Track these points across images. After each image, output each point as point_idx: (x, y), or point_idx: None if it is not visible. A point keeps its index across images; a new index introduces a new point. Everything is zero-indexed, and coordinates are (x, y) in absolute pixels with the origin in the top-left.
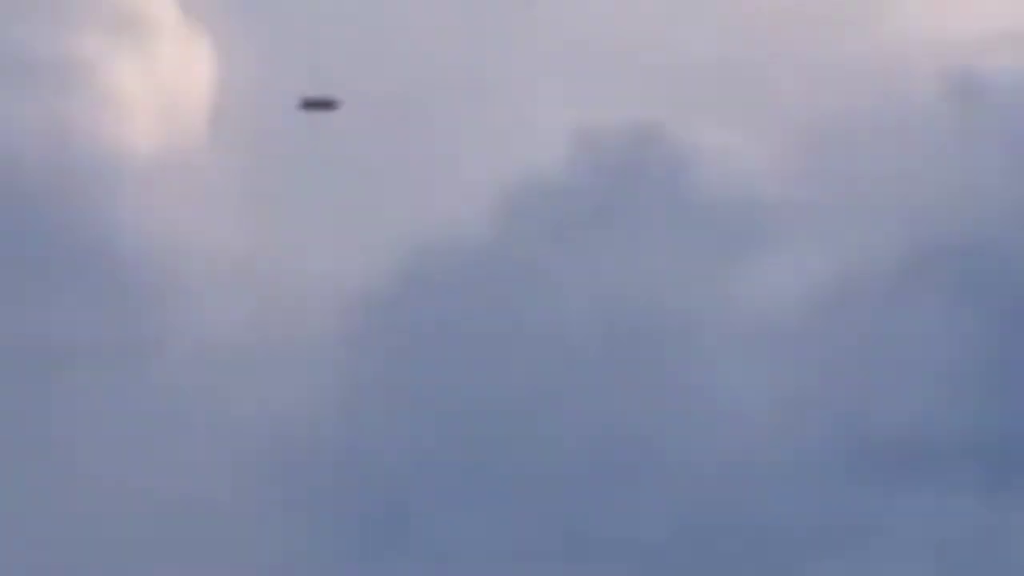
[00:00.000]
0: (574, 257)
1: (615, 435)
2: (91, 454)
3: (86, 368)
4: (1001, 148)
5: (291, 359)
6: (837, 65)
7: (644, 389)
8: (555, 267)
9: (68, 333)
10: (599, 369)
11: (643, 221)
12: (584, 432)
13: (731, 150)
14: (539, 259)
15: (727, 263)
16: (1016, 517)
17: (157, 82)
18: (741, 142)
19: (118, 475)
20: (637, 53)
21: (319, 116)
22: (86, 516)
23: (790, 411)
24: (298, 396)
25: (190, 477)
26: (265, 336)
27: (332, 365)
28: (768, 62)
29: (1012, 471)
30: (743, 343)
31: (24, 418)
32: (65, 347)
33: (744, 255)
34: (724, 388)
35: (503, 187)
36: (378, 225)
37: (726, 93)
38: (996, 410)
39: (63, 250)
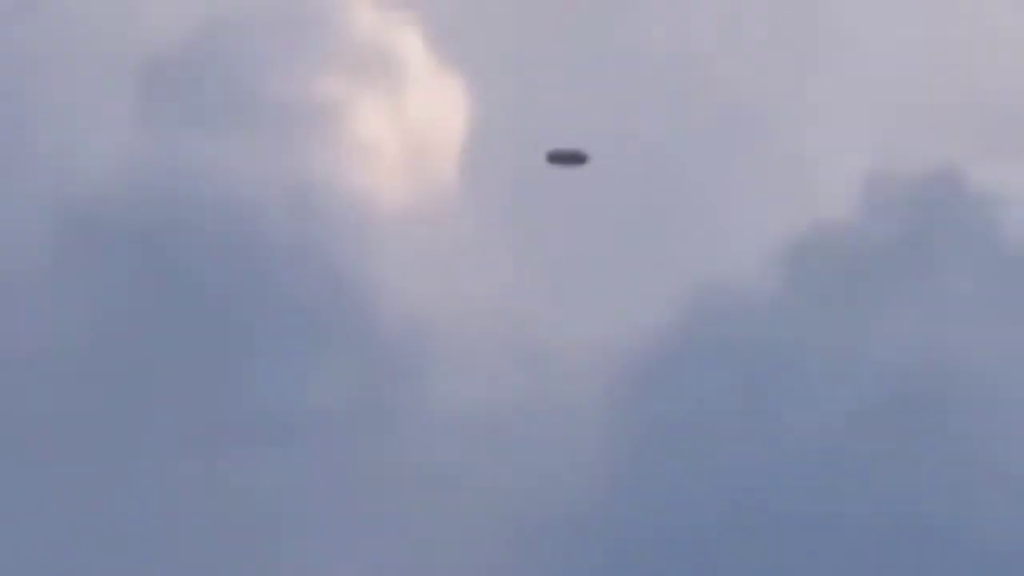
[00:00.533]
0: (866, 313)
1: (904, 517)
2: (329, 530)
3: (329, 439)
4: None
5: (554, 430)
6: None
7: (939, 466)
8: (845, 325)
9: (312, 400)
10: (890, 442)
11: (942, 272)
12: (870, 514)
13: None
14: (828, 315)
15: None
16: None
17: (406, 127)
18: None
19: (356, 551)
20: (933, 91)
21: (584, 167)
22: None
23: None
24: (559, 468)
25: (440, 551)
26: (525, 404)
27: (598, 433)
28: None
29: None
30: None
31: (256, 493)
32: (309, 416)
33: None
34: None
35: (790, 238)
36: (649, 281)
37: None
38: None
39: (304, 309)
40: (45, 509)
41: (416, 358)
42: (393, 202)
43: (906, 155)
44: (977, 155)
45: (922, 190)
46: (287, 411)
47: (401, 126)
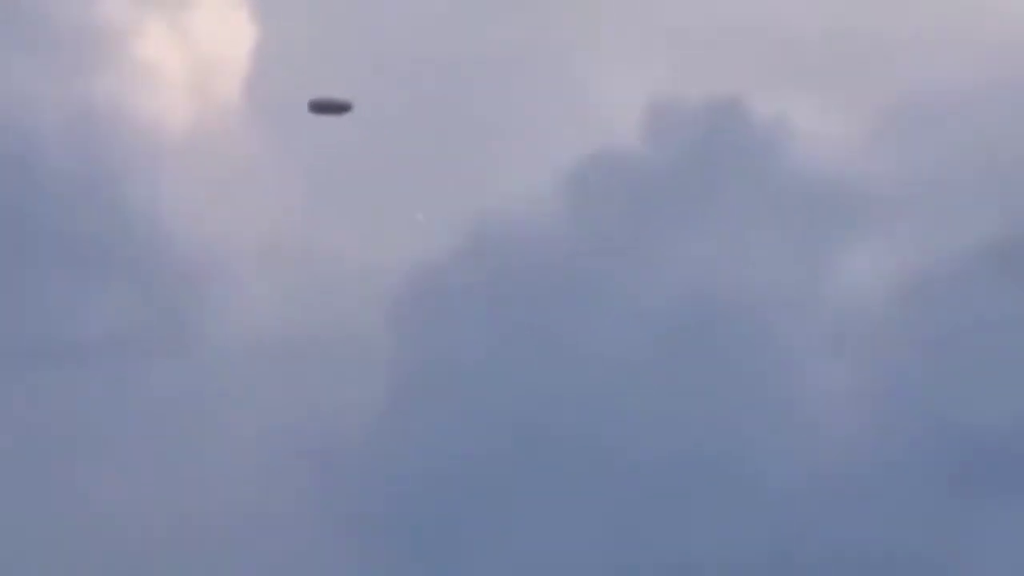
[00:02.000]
0: (648, 238)
1: (690, 444)
2: (111, 457)
3: (111, 363)
4: None
5: (337, 354)
6: (936, 36)
7: (720, 393)
8: (627, 247)
9: (94, 325)
10: (669, 360)
11: (722, 199)
12: (655, 439)
13: (817, 125)
14: (611, 239)
15: (811, 249)
16: None
17: (190, 50)
18: (828, 117)
19: (138, 480)
20: (716, 19)
21: (371, 91)
22: (103, 523)
23: (881, 417)
24: (343, 394)
25: (217, 485)
26: (309, 328)
27: (383, 360)
28: (857, 30)
29: None
30: (830, 341)
31: (40, 416)
32: (91, 340)
33: (830, 240)
34: (810, 392)
35: (574, 164)
36: (436, 204)
37: (814, 65)
38: None
39: (88, 233)
40: None
41: (203, 282)
42: (178, 125)
43: (689, 82)
44: (760, 83)
45: (705, 117)
46: (72, 336)
47: (185, 49)
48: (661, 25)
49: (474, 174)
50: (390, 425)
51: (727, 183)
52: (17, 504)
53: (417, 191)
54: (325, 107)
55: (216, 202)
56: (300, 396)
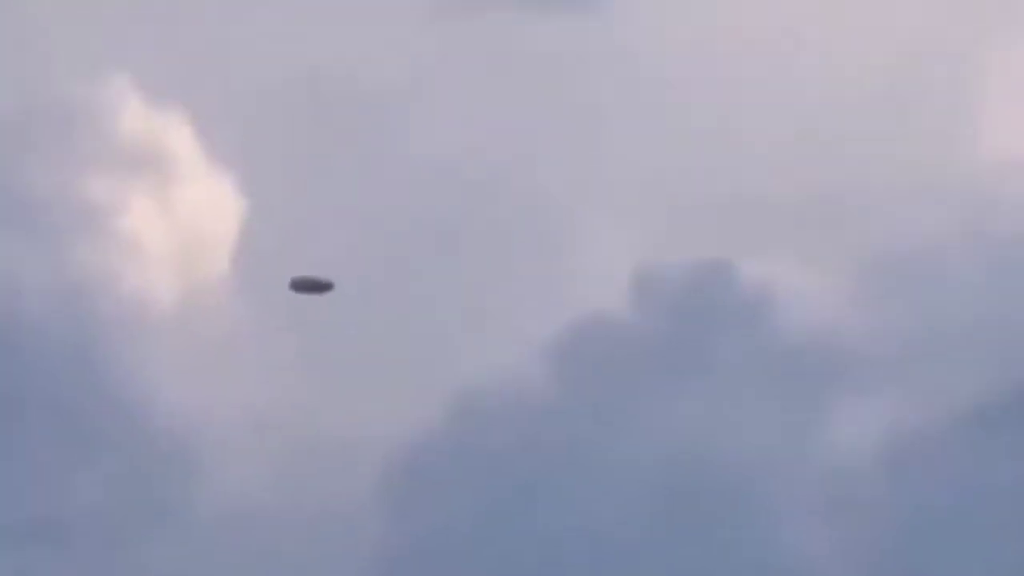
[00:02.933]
0: (636, 405)
1: None
2: None
3: (97, 537)
4: None
5: (323, 528)
6: (920, 192)
7: (708, 555)
8: (615, 416)
9: (80, 499)
10: (659, 530)
11: (711, 366)
12: None
13: (805, 288)
14: (598, 407)
15: (798, 411)
16: None
17: (177, 224)
18: (815, 279)
19: None
20: (701, 188)
21: (354, 269)
22: None
23: None
24: (329, 569)
25: None
26: (296, 502)
27: (369, 534)
28: (843, 192)
29: None
30: (819, 503)
31: None
32: (76, 515)
33: (817, 402)
34: (799, 555)
35: (560, 332)
36: (422, 377)
37: (800, 227)
38: None
39: (75, 408)
40: None
41: (188, 456)
42: (164, 299)
43: (673, 248)
44: (745, 250)
45: (690, 282)
46: (57, 511)
47: (172, 223)
48: (643, 192)
49: (459, 345)
50: None
51: (714, 347)
52: None
53: (402, 364)
54: (306, 286)
55: (202, 376)
56: (286, 572)
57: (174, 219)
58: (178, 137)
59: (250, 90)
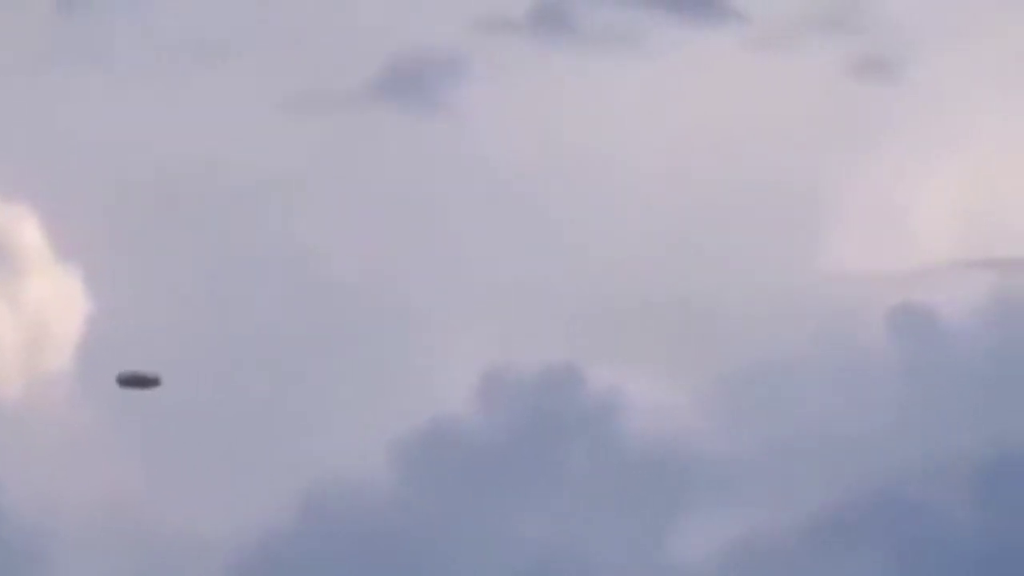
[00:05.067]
0: (481, 509)
1: None
2: None
3: None
4: (948, 389)
5: None
6: (771, 304)
7: None
8: (462, 520)
9: None
10: None
11: (556, 472)
12: None
13: (653, 396)
14: (444, 509)
15: (646, 520)
16: None
17: (22, 318)
18: (664, 387)
19: None
20: (550, 294)
21: (200, 365)
22: None
23: None
24: None
25: None
26: None
27: None
28: (693, 301)
29: None
30: None
31: None
32: None
33: (665, 511)
34: None
35: (406, 434)
36: (270, 474)
37: (648, 335)
38: None
39: None
40: None
41: (33, 549)
42: (8, 393)
43: (524, 353)
44: (593, 356)
45: (537, 386)
46: None
47: (17, 317)
48: (495, 295)
49: (307, 443)
50: None
51: (560, 453)
52: None
53: (251, 462)
54: (133, 381)
55: (46, 470)
56: None
57: (20, 313)
58: (25, 231)
59: (98, 185)
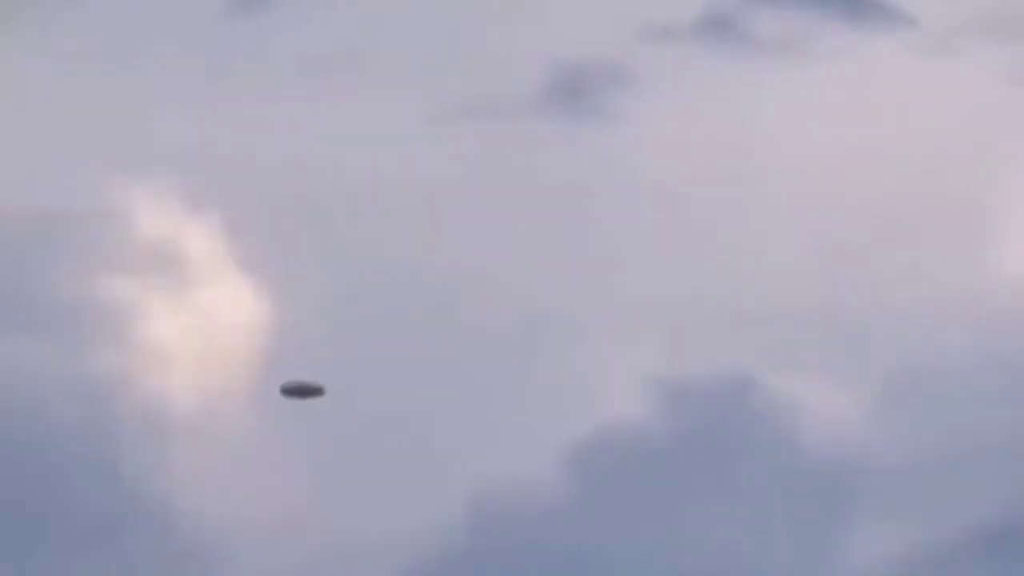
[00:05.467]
0: (652, 517)
1: None
2: None
3: None
4: None
5: None
6: (937, 311)
7: None
8: (632, 527)
9: None
10: None
11: (728, 480)
12: None
13: (826, 404)
14: (614, 517)
15: (817, 530)
16: None
17: (198, 327)
18: (835, 395)
19: None
20: (724, 301)
21: (372, 374)
22: None
23: None
24: None
25: None
26: None
27: None
28: (862, 308)
29: None
30: None
31: None
32: None
33: (839, 521)
34: None
35: (576, 441)
36: (438, 481)
37: (817, 344)
38: None
39: (95, 516)
40: None
41: (209, 560)
42: (185, 404)
43: (697, 361)
44: (769, 366)
45: (710, 395)
46: None
47: (194, 327)
48: (658, 302)
49: (476, 450)
50: None
51: (733, 460)
52: None
53: (420, 469)
54: (297, 391)
55: (222, 481)
56: None
57: (195, 323)
58: (200, 240)
59: (274, 195)
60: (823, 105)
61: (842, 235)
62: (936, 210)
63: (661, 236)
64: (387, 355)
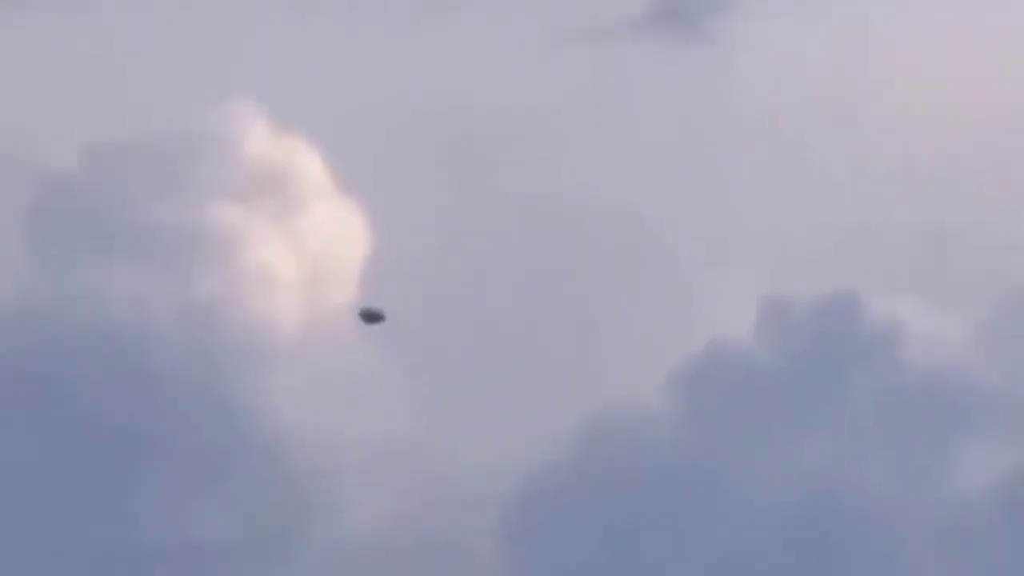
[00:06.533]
0: (761, 437)
1: None
2: None
3: (221, 565)
4: None
5: (444, 558)
6: None
7: None
8: (740, 447)
9: (209, 527)
10: (780, 563)
11: (835, 400)
12: None
13: (927, 324)
14: (723, 438)
15: (925, 449)
16: None
17: (303, 252)
18: (941, 315)
19: None
20: (828, 224)
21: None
22: None
23: None
24: None
25: None
26: (416, 531)
27: (492, 564)
28: (969, 228)
29: None
30: (940, 538)
31: None
32: (206, 542)
33: (944, 442)
34: None
35: (686, 362)
36: (549, 406)
37: (925, 264)
38: None
39: (200, 438)
40: None
41: (314, 485)
42: (290, 328)
43: (802, 281)
44: (872, 285)
45: (818, 315)
46: (182, 539)
47: (298, 251)
48: (765, 225)
49: (586, 374)
50: None
51: (840, 380)
52: None
53: (529, 394)
54: (368, 316)
55: (327, 404)
56: None
57: (301, 247)
58: (306, 164)
59: (378, 118)
60: (932, 28)
61: (950, 159)
62: None
63: (768, 159)
64: (496, 280)
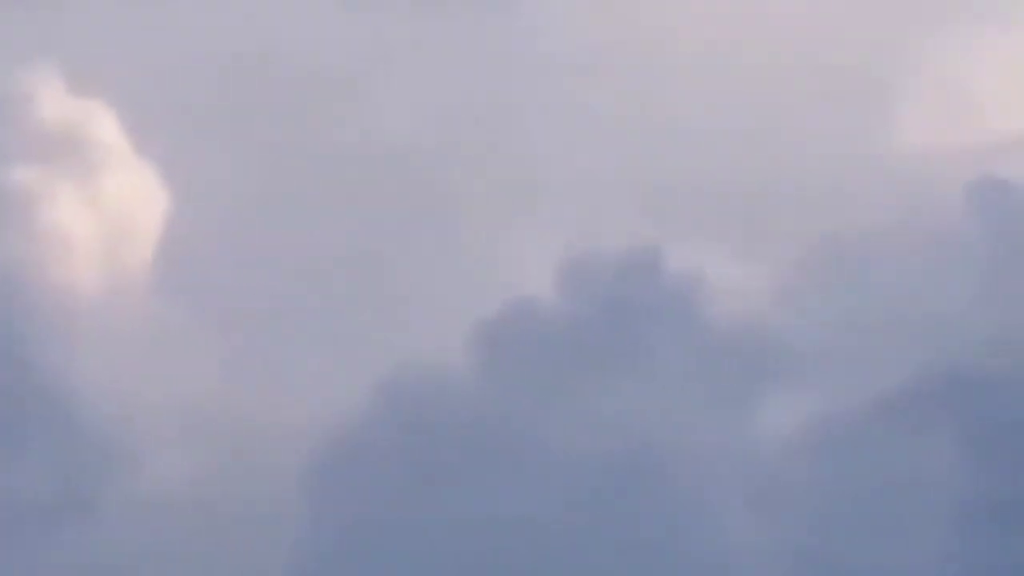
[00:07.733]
0: (562, 392)
1: None
2: None
3: (18, 527)
4: None
5: (251, 513)
6: (843, 182)
7: (638, 552)
8: (543, 404)
9: (9, 488)
10: (585, 518)
11: (638, 355)
12: None
13: (733, 276)
14: (525, 393)
15: (728, 401)
16: None
17: (101, 214)
18: (743, 267)
19: None
20: (628, 173)
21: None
22: None
23: (802, 572)
24: (252, 554)
25: None
26: (220, 491)
27: (294, 520)
28: (770, 181)
29: None
30: (751, 494)
31: None
32: (4, 503)
33: (747, 393)
34: (731, 547)
35: (486, 317)
36: (347, 362)
37: (726, 216)
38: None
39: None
40: None
41: (114, 445)
42: (89, 291)
43: (604, 236)
44: (675, 236)
45: (620, 270)
46: None
47: (96, 213)
48: (566, 180)
49: (385, 330)
50: None
51: (642, 335)
52: None
53: (327, 350)
54: None
55: (127, 366)
56: (208, 561)
57: (99, 209)
58: (103, 125)
59: (176, 77)
60: None
61: (748, 110)
62: (846, 83)
63: (570, 113)
64: (294, 238)
